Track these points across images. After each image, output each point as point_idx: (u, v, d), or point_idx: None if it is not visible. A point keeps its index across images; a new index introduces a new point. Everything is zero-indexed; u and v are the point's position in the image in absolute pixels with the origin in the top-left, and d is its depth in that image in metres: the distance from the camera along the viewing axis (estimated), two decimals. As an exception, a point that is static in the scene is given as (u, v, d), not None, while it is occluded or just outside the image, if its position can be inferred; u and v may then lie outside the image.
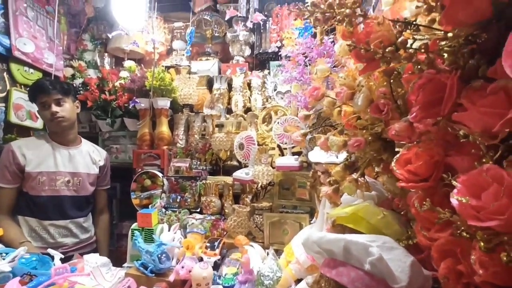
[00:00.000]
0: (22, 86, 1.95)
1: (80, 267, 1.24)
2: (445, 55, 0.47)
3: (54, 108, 1.57)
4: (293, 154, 1.57)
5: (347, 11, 0.53)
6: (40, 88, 1.58)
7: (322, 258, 0.64)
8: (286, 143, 1.56)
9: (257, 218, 1.45)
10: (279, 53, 1.94)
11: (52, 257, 1.27)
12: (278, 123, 1.56)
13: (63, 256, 1.32)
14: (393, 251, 0.57)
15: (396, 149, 0.66)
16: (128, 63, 2.23)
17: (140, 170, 1.80)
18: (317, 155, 1.13)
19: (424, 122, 0.48)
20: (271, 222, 1.39)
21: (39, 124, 2.00)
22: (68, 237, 1.65)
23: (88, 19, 2.40)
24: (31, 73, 1.98)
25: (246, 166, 1.65)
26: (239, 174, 1.58)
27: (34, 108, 1.83)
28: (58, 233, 1.62)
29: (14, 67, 1.89)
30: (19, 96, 1.90)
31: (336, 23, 0.55)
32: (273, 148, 1.76)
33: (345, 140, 0.75)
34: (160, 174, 1.72)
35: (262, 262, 1.14)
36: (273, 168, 1.51)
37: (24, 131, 1.93)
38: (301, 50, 1.48)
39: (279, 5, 2.19)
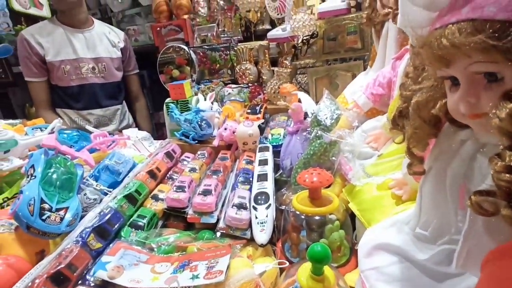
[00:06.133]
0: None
1: (122, 143, 1.20)
2: None
3: None
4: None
5: None
6: None
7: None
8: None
9: (300, 78, 1.28)
10: None
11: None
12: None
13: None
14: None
15: None
16: None
17: (163, 47, 1.61)
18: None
19: None
20: (317, 79, 1.21)
21: (45, 12, 1.82)
22: (109, 125, 1.65)
23: None
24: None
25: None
26: (275, 32, 1.35)
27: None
28: (98, 122, 1.61)
29: None
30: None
31: None
32: (312, -3, 1.46)
33: None
34: (185, 47, 1.53)
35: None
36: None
37: (33, 22, 1.75)
38: None
39: None
